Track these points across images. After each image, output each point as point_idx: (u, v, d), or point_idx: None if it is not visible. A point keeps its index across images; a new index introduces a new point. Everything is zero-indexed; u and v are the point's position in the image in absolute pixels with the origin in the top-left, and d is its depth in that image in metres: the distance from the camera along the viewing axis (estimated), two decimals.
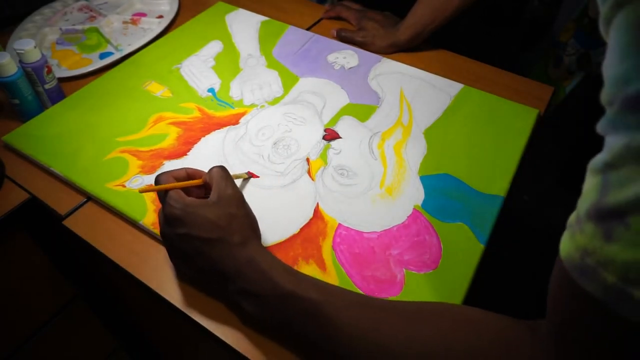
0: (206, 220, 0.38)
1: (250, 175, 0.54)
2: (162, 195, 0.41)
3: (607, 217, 0.22)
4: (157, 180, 0.42)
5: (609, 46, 0.22)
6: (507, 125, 0.60)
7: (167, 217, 0.39)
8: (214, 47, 0.74)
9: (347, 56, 0.72)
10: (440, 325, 0.33)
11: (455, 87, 0.66)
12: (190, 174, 0.44)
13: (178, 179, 0.43)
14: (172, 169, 0.55)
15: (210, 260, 0.39)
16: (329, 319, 0.35)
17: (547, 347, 0.29)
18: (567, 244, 0.25)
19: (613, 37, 0.21)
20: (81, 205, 0.53)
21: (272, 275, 0.38)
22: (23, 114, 0.62)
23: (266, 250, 0.41)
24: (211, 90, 0.66)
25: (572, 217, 0.25)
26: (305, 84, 0.67)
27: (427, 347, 0.32)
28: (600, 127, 0.23)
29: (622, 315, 0.23)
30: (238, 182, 0.53)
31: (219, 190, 0.41)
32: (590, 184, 0.23)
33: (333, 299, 0.37)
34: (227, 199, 0.40)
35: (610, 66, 0.22)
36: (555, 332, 0.28)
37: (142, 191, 0.40)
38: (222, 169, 0.43)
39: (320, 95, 0.65)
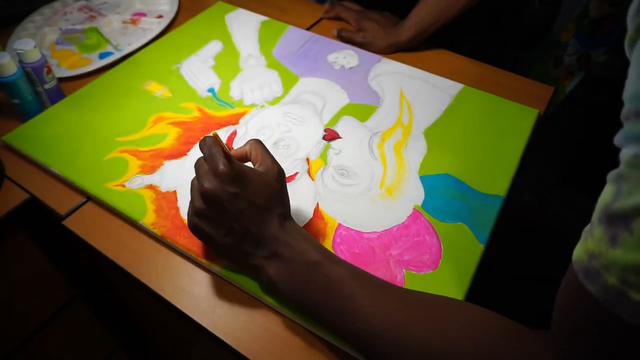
0: (260, 187, 0.40)
1: None
2: (214, 153, 0.40)
3: (614, 222, 0.23)
4: (205, 141, 0.41)
5: (630, 65, 0.24)
6: (508, 125, 0.60)
7: (220, 175, 0.38)
8: (214, 47, 0.74)
9: (347, 56, 0.72)
10: (457, 319, 0.34)
11: (455, 87, 0.66)
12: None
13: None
14: (172, 169, 0.55)
15: (249, 223, 0.39)
16: (353, 292, 0.36)
17: (550, 348, 0.29)
18: (578, 249, 0.26)
19: (635, 57, 0.23)
20: (81, 205, 0.53)
21: (305, 245, 0.40)
22: (23, 114, 0.62)
23: (294, 224, 0.42)
24: (211, 90, 0.66)
25: (588, 226, 0.27)
26: (305, 84, 0.67)
27: (447, 337, 0.33)
28: (617, 139, 0.24)
29: (622, 318, 0.23)
30: None
31: (267, 164, 0.42)
32: (606, 192, 0.25)
33: (358, 275, 0.38)
34: (276, 173, 0.41)
35: (630, 83, 0.23)
36: (560, 334, 0.29)
37: (215, 135, 0.39)
38: (261, 142, 0.44)
39: (320, 95, 0.65)
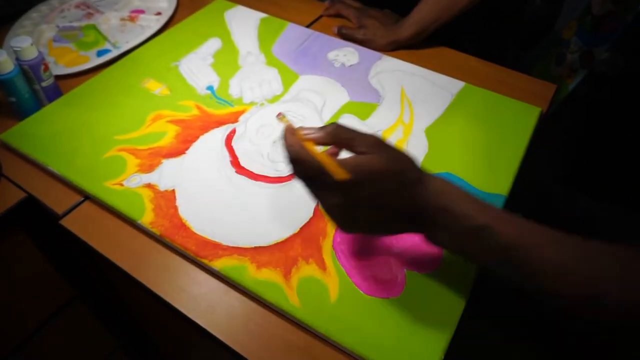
0: (379, 172, 0.35)
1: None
2: (319, 167, 0.35)
3: None
4: (297, 161, 0.37)
5: None
6: (509, 123, 0.60)
7: (339, 186, 0.35)
8: (213, 44, 0.73)
9: (347, 54, 0.71)
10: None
11: (456, 85, 0.65)
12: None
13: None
14: (171, 168, 0.55)
15: (391, 208, 0.36)
16: (531, 255, 0.34)
17: None
18: None
19: None
20: (79, 205, 0.53)
21: (462, 208, 0.36)
22: (20, 112, 0.62)
23: (442, 180, 0.37)
24: (210, 88, 0.66)
25: None
26: (305, 81, 0.67)
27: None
28: None
29: None
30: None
31: (359, 141, 0.37)
32: None
33: (530, 234, 0.35)
34: (373, 142, 0.37)
35: None
36: None
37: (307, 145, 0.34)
38: (341, 127, 0.38)
39: (320, 94, 0.65)
